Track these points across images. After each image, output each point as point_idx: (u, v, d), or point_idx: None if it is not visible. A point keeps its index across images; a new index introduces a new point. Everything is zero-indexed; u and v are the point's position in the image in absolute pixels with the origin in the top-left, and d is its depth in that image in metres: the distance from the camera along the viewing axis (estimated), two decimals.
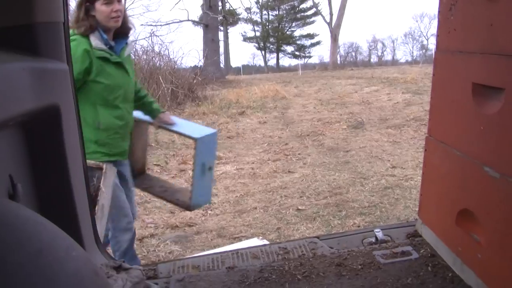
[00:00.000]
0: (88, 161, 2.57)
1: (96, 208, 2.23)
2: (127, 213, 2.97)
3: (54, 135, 1.47)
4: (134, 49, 3.10)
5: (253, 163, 6.43)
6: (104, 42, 2.75)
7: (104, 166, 2.33)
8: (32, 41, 1.41)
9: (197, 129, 3.24)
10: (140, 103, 3.17)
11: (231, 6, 32.60)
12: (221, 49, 24.58)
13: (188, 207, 3.12)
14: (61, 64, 1.52)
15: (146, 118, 3.19)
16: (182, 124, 3.30)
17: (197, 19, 23.85)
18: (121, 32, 2.86)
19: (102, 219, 2.31)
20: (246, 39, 41.94)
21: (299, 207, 4.61)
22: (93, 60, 2.71)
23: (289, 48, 42.23)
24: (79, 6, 2.74)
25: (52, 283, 0.74)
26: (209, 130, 3.20)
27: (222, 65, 25.73)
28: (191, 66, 15.21)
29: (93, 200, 2.33)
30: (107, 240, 3.01)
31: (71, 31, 2.73)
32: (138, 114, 3.16)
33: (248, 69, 37.38)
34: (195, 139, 3.00)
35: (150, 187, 3.45)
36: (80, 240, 1.60)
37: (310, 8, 38.61)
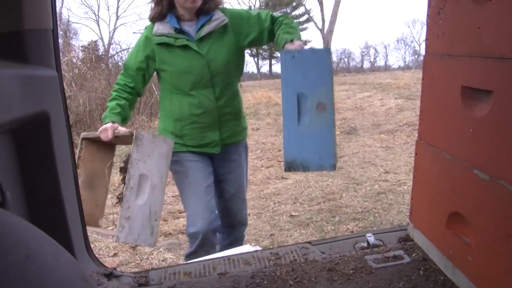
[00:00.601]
0: (124, 129, 2.37)
1: (127, 177, 2.07)
2: (192, 220, 2.74)
3: (44, 142, 1.47)
4: (225, 22, 2.61)
5: None
6: (171, 26, 2.56)
7: (135, 132, 2.11)
8: (21, 48, 1.41)
9: None
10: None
11: None
12: None
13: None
14: (50, 71, 1.53)
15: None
16: None
17: None
18: (204, 10, 2.59)
19: (142, 192, 2.11)
20: None
21: (292, 213, 4.60)
22: (154, 47, 2.58)
23: None
24: None
25: None
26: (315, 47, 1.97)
27: None
28: None
29: (122, 169, 2.21)
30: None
31: None
32: None
33: None
34: (281, 52, 2.05)
35: None
36: (70, 247, 1.59)
37: (302, 15, 38.71)
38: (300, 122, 1.88)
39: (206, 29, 2.55)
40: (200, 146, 2.69)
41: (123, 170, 2.18)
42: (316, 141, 1.88)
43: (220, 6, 2.65)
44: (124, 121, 2.52)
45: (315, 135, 1.88)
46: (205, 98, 2.59)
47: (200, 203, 2.70)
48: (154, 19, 2.60)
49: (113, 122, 2.38)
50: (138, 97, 2.75)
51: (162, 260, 3.74)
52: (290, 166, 1.90)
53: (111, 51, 17.89)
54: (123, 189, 2.09)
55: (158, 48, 2.58)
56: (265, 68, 42.14)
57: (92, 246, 2.00)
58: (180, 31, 2.57)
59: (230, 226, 2.92)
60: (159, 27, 2.56)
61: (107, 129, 2.30)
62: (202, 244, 2.65)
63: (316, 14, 50.50)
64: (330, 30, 27.04)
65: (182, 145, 2.68)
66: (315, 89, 1.89)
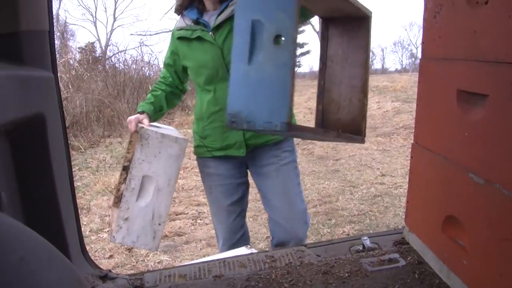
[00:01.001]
0: (147, 123, 2.27)
1: (128, 177, 1.98)
2: (217, 239, 2.65)
3: (40, 144, 1.47)
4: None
5: None
6: (190, 19, 2.40)
7: (140, 130, 2.01)
8: (17, 50, 1.41)
9: None
10: None
11: None
12: None
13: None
14: (46, 72, 1.52)
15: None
16: None
17: None
18: None
19: (145, 194, 2.02)
20: None
21: None
22: (176, 42, 2.46)
23: None
24: None
25: None
26: None
27: None
28: None
29: (126, 168, 2.09)
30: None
31: None
32: None
33: None
34: None
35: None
36: (65, 249, 1.59)
37: None
38: (252, 60, 1.32)
39: (222, 16, 2.32)
40: (223, 148, 2.47)
41: (126, 170, 2.11)
42: (268, 88, 1.30)
43: None
44: (159, 111, 2.47)
45: (269, 80, 1.30)
46: (223, 93, 2.30)
47: (221, 224, 2.61)
48: (177, 11, 2.49)
49: (142, 112, 2.33)
50: (181, 92, 2.63)
51: (158, 262, 3.73)
52: (233, 121, 1.32)
53: (108, 52, 17.91)
54: (122, 189, 2.04)
55: (180, 43, 2.45)
56: None
57: (88, 248, 2.00)
58: (197, 22, 2.40)
59: (280, 244, 2.51)
60: (180, 21, 2.46)
61: (131, 122, 2.24)
62: None
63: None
64: None
65: (205, 149, 2.52)
66: (274, 15, 1.30)
